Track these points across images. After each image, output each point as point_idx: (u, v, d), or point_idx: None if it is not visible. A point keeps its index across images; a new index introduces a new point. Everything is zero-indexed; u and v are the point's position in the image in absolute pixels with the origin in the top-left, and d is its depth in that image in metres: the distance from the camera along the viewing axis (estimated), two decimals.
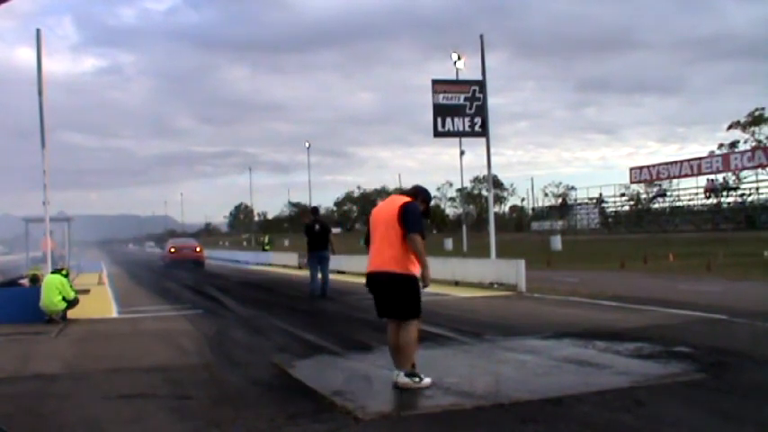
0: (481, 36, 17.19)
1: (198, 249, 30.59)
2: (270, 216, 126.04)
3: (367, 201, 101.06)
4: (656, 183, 55.35)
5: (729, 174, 48.99)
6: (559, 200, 75.27)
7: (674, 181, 53.30)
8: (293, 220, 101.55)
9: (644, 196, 59.30)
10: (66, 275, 11.17)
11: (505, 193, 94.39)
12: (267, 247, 46.30)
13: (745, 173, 48.33)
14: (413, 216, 5.38)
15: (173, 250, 29.94)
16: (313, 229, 13.88)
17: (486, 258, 16.69)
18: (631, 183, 56.31)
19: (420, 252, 5.31)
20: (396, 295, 5.39)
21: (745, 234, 36.28)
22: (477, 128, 16.67)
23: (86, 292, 14.28)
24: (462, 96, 16.58)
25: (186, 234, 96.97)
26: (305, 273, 17.20)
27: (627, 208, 59.82)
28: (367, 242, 5.69)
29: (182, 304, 13.27)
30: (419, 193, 5.68)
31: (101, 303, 13.36)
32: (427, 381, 5.33)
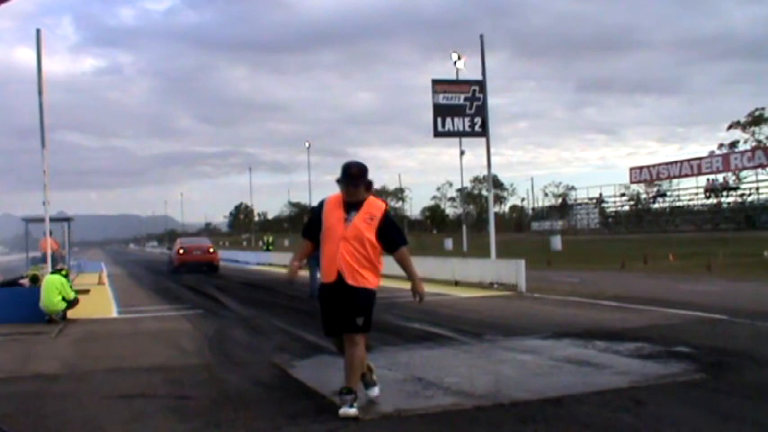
0: (481, 36, 17.19)
1: (211, 250, 27.26)
2: (270, 216, 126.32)
3: None
4: (656, 183, 55.36)
5: (729, 174, 48.97)
6: (559, 200, 75.35)
7: (674, 181, 53.42)
8: (293, 219, 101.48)
9: (644, 196, 59.35)
10: (66, 276, 11.18)
11: (505, 193, 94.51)
12: (270, 248, 46.36)
13: (745, 173, 48.40)
14: None
15: (181, 251, 26.49)
16: None
17: (486, 258, 16.69)
18: (631, 183, 56.35)
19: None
20: None
21: (745, 234, 36.27)
22: (477, 128, 16.67)
23: (86, 292, 14.28)
24: (462, 96, 16.59)
25: (187, 234, 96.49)
26: (305, 273, 17.18)
27: (627, 208, 59.85)
28: None
29: (182, 304, 13.28)
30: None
31: (101, 303, 13.37)
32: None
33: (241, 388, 5.60)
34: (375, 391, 4.99)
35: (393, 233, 4.76)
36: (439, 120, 16.49)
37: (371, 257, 4.66)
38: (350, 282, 4.61)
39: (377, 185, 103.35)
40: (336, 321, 4.72)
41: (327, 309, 4.77)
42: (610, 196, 59.10)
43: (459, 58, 35.82)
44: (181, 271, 25.20)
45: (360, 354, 4.71)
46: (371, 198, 4.78)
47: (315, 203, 6.03)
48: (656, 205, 57.08)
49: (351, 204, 4.68)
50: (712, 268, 18.69)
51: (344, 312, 4.66)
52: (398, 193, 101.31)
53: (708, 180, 49.75)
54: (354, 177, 4.68)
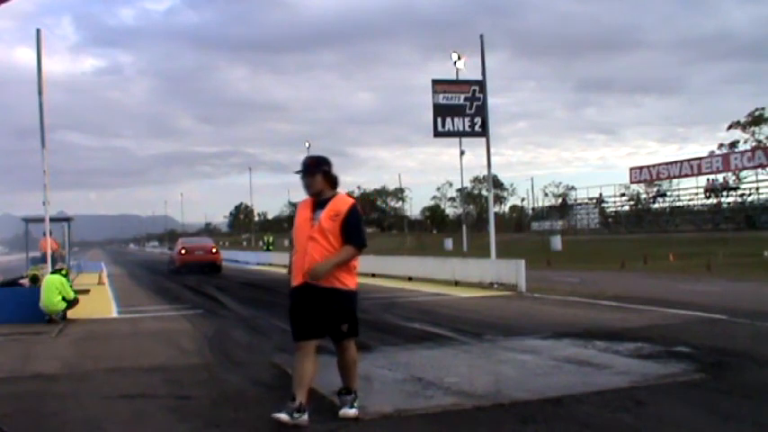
0: (481, 36, 17.20)
1: (214, 250, 26.88)
2: (270, 216, 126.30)
3: (367, 201, 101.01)
4: (656, 183, 55.31)
5: (729, 174, 48.93)
6: (559, 200, 75.25)
7: (674, 181, 53.27)
8: (293, 220, 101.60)
9: (644, 196, 59.31)
10: (66, 276, 11.18)
11: (505, 193, 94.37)
12: (271, 248, 46.44)
13: (745, 173, 48.30)
14: None
15: (183, 251, 26.08)
16: None
17: (486, 258, 16.68)
18: (631, 183, 56.26)
19: None
20: None
21: (745, 234, 36.25)
22: (477, 128, 16.68)
23: (86, 292, 14.29)
24: (462, 96, 16.60)
25: (187, 234, 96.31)
26: None
27: (627, 208, 59.78)
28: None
29: (182, 304, 13.28)
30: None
31: (101, 303, 13.37)
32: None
33: (241, 388, 5.61)
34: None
35: (350, 229, 4.45)
36: (439, 120, 16.50)
37: None
38: (321, 283, 4.41)
39: (377, 185, 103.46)
40: (307, 325, 4.52)
41: (296, 312, 4.57)
42: (610, 196, 59.05)
43: (459, 58, 35.84)
44: (182, 271, 24.79)
45: (352, 355, 4.66)
46: (340, 195, 4.63)
47: None
48: (656, 205, 57.00)
49: (318, 203, 4.52)
50: (712, 268, 18.69)
51: (326, 320, 4.48)
52: (398, 193, 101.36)
53: (708, 180, 49.68)
54: (307, 165, 4.56)
